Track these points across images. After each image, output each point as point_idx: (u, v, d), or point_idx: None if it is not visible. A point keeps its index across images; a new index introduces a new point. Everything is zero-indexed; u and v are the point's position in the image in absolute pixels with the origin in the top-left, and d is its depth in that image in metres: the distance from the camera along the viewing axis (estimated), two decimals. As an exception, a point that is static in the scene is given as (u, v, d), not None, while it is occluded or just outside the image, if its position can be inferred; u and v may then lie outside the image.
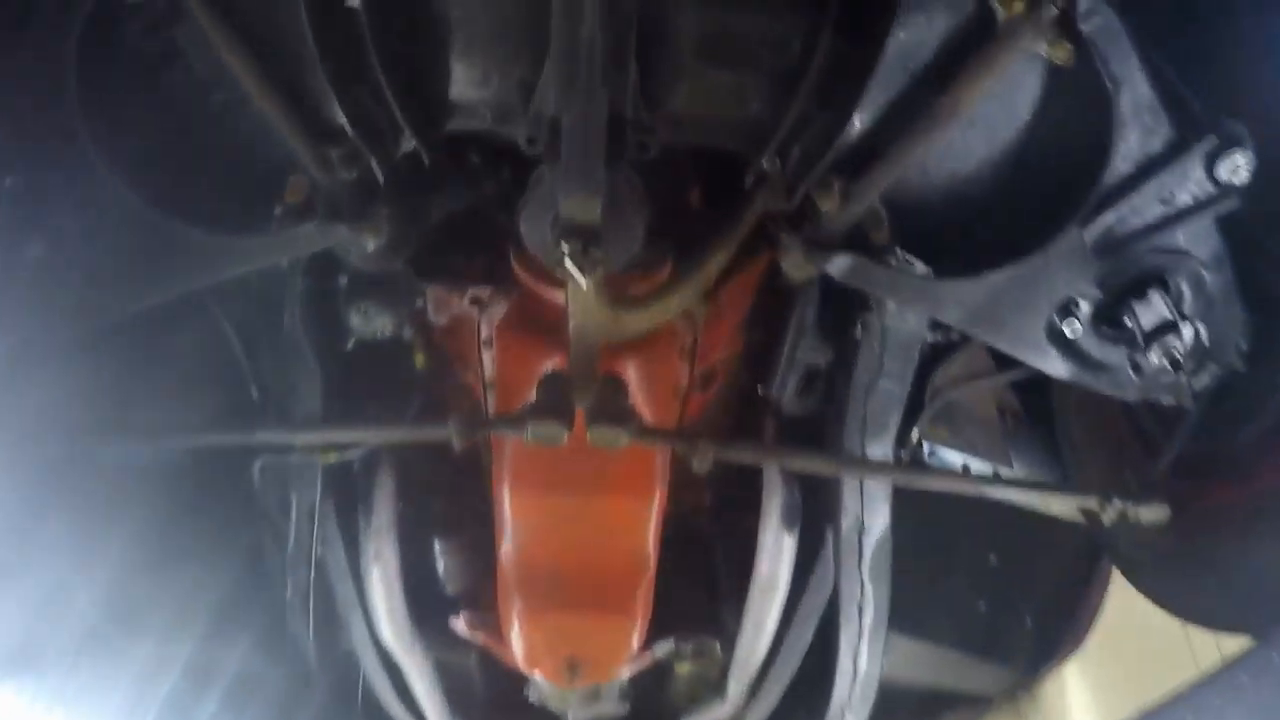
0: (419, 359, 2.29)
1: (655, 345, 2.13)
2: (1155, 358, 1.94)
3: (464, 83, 1.79)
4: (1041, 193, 1.86)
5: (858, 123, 1.74)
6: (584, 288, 1.69)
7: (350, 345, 2.26)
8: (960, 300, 1.89)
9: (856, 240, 1.83)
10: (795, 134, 1.76)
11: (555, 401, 1.96)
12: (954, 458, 2.54)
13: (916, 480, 2.27)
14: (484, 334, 2.22)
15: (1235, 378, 2.02)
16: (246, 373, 2.30)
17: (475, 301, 2.16)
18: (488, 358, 2.26)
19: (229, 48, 1.67)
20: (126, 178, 1.77)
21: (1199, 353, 1.97)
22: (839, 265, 1.83)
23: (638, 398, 2.14)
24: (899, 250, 1.85)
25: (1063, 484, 2.65)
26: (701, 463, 2.04)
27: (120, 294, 1.90)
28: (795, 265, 1.86)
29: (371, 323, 2.17)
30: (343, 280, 2.22)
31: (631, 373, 2.13)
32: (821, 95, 1.72)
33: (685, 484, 2.47)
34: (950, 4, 1.69)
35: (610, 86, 1.65)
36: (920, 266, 1.86)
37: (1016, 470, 2.68)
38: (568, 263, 1.65)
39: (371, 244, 1.86)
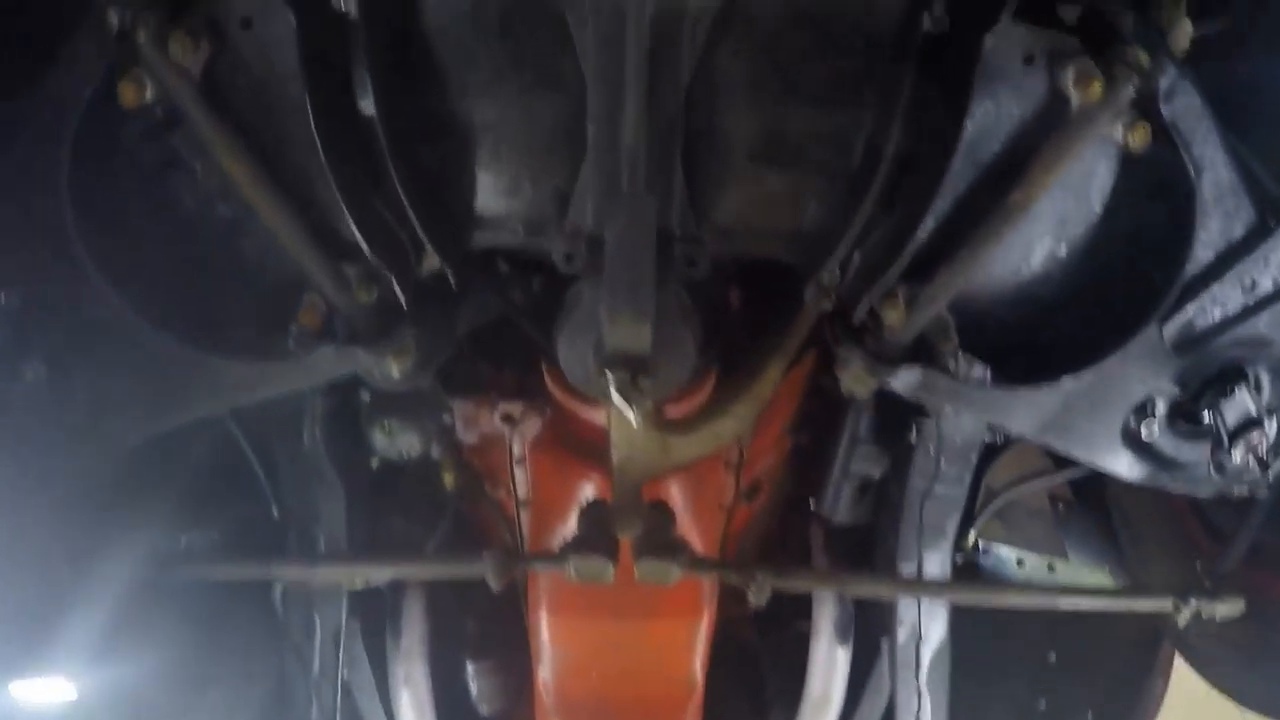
0: (448, 478, 2.08)
1: (700, 461, 1.93)
2: (1238, 456, 1.76)
3: (492, 192, 1.59)
4: (1116, 287, 1.68)
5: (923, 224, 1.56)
6: (633, 422, 1.50)
7: (375, 463, 2.06)
8: (1032, 408, 1.70)
9: (922, 351, 1.64)
10: (859, 241, 1.57)
11: (598, 534, 1.76)
12: (1009, 554, 2.36)
13: (985, 599, 2.07)
14: (517, 452, 2.02)
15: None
16: (265, 490, 2.10)
17: (506, 418, 1.96)
18: (521, 476, 2.07)
19: (230, 157, 1.47)
20: (127, 296, 1.58)
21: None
22: (905, 380, 1.64)
23: (682, 517, 1.93)
24: (964, 355, 1.66)
25: (1135, 588, 2.45)
26: (758, 595, 1.84)
27: (126, 419, 1.72)
28: (856, 379, 1.65)
29: (396, 442, 1.98)
30: (365, 397, 2.03)
31: (675, 491, 1.93)
32: (888, 198, 1.52)
33: (731, 593, 2.26)
34: (1020, 90, 1.51)
35: (655, 197, 1.46)
36: (982, 370, 1.67)
37: (1072, 560, 2.49)
38: (614, 395, 1.46)
39: (396, 369, 1.66)
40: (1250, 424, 1.74)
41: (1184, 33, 1.50)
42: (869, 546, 2.20)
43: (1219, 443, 1.76)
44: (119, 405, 1.70)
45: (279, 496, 2.09)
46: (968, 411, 1.84)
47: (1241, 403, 1.73)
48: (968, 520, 2.14)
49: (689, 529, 1.99)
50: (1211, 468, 1.81)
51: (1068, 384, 1.67)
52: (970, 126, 1.50)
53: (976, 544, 2.22)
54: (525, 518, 2.14)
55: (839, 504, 2.14)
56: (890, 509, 2.09)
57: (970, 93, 1.42)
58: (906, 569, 2.09)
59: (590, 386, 1.54)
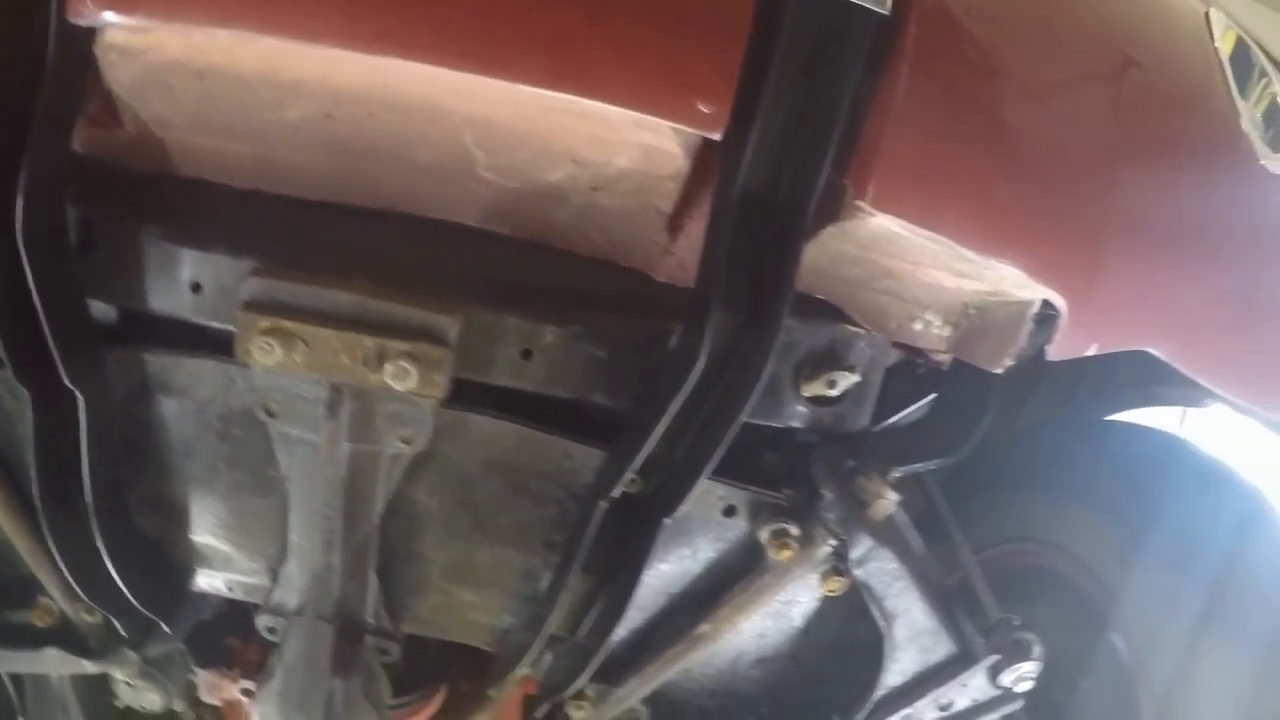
0: None
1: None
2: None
3: (208, 561, 1.54)
4: (814, 693, 1.64)
5: (616, 632, 1.51)
6: None
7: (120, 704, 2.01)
8: None
9: None
10: (546, 650, 1.52)
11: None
12: None
13: None
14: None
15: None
16: (16, 707, 2.05)
17: (246, 693, 1.90)
18: (261, 739, 2.01)
19: None
20: None
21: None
22: None
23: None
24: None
25: None
26: None
27: None
28: None
29: (140, 696, 1.91)
30: None
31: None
32: (571, 625, 1.48)
33: None
34: (719, 537, 1.46)
35: (347, 600, 1.42)
36: None
37: None
38: None
39: (122, 675, 1.62)
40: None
41: (883, 507, 1.44)
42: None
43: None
44: None
45: (26, 715, 2.05)
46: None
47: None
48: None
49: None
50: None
51: None
52: (664, 566, 1.46)
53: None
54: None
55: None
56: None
57: (648, 555, 1.36)
58: None
59: None
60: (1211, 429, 2.40)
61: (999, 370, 1.39)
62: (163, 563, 1.52)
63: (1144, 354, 2.22)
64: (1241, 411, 2.02)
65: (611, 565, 1.39)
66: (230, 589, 1.54)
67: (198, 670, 1.85)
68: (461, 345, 1.26)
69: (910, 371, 1.68)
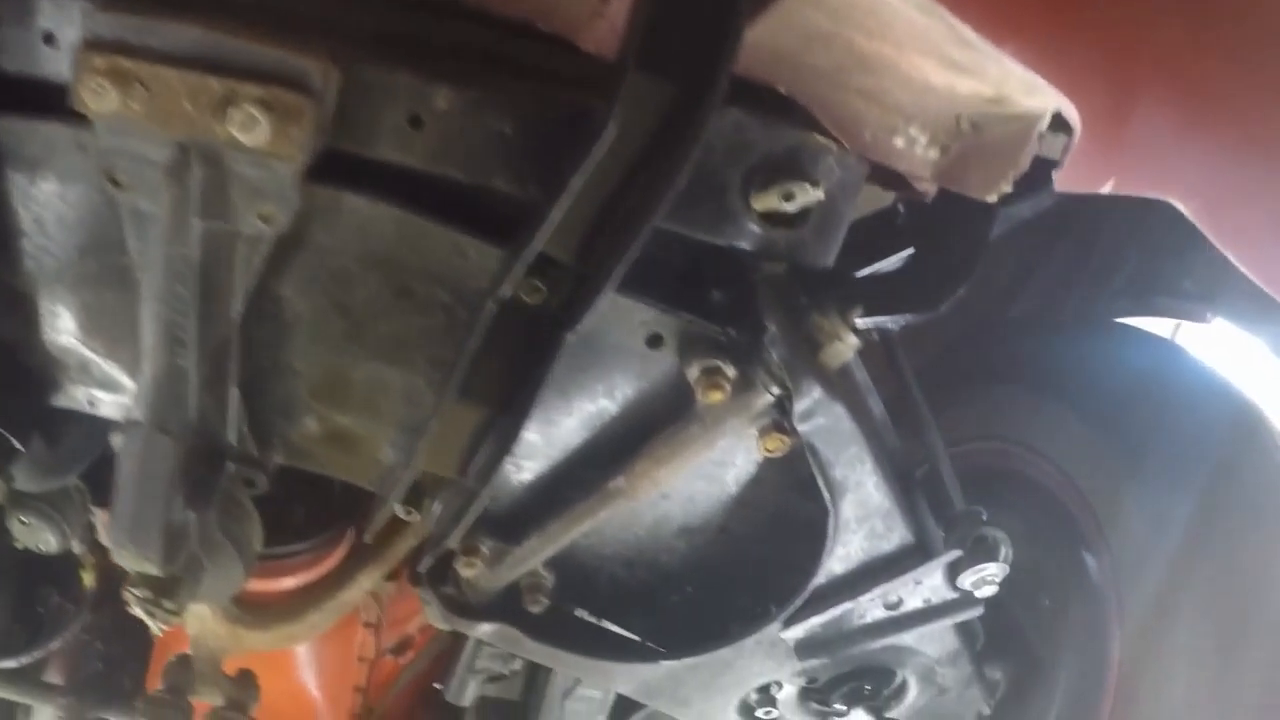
0: (87, 578, 1.82)
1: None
2: (863, 759, 1.50)
3: (65, 369, 1.33)
4: (745, 573, 1.42)
5: (515, 481, 1.29)
6: (155, 630, 1.25)
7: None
8: (633, 677, 1.45)
9: (509, 606, 1.37)
10: (429, 490, 1.30)
11: (174, 695, 1.50)
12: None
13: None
14: (152, 566, 1.76)
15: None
16: None
17: None
18: (157, 587, 1.80)
19: None
20: None
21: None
22: (485, 632, 1.37)
23: (309, 666, 1.68)
24: (567, 612, 1.40)
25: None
26: None
27: None
28: (435, 620, 1.39)
29: (35, 535, 1.71)
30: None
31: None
32: (460, 462, 1.25)
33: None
34: (640, 372, 1.22)
35: (205, 417, 1.20)
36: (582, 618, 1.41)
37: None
38: (137, 610, 1.21)
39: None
40: (879, 729, 1.50)
41: (839, 351, 1.20)
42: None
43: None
44: None
45: None
46: (567, 672, 1.57)
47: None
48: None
49: (317, 675, 1.72)
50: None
51: (669, 665, 1.41)
52: (575, 403, 1.23)
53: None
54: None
55: (463, 693, 1.87)
56: (536, 690, 1.83)
57: (546, 376, 1.13)
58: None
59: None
60: (1203, 347, 2.16)
61: (993, 198, 1.14)
62: (13, 370, 1.30)
63: (1148, 258, 1.99)
64: (1246, 326, 1.80)
65: (507, 391, 1.15)
66: (92, 404, 1.32)
67: (96, 511, 1.64)
68: (339, 107, 1.02)
69: (888, 221, 1.43)
